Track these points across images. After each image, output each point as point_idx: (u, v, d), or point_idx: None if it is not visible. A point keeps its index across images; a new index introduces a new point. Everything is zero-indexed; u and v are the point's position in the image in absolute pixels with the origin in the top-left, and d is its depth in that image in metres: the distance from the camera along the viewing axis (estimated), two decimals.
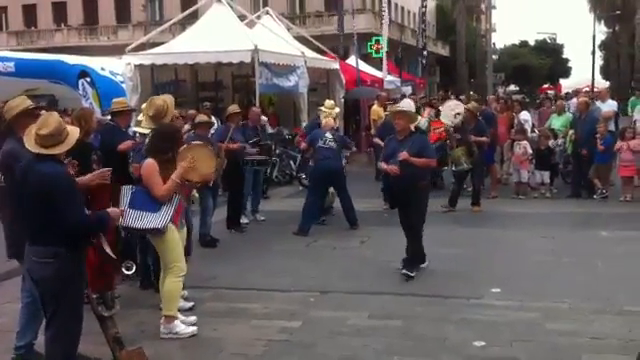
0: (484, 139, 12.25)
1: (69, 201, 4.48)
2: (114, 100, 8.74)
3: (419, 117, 11.56)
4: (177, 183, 5.99)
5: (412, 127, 8.32)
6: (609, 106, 15.33)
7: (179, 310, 6.44)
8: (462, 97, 21.44)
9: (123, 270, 4.98)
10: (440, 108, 13.89)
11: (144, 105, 8.39)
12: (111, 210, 4.94)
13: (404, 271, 7.73)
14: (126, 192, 5.97)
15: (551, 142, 13.58)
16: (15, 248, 5.58)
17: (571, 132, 13.32)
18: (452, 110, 12.29)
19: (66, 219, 4.46)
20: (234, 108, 10.85)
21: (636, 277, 7.60)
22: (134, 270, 5.07)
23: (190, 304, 6.84)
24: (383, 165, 8.14)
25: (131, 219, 5.87)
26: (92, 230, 4.77)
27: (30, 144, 4.56)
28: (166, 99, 7.20)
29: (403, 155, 7.74)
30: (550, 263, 8.38)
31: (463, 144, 11.87)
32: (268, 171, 13.86)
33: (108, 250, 4.87)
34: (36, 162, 4.55)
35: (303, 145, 11.47)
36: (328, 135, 10.57)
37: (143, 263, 7.31)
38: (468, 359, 5.50)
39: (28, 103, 5.52)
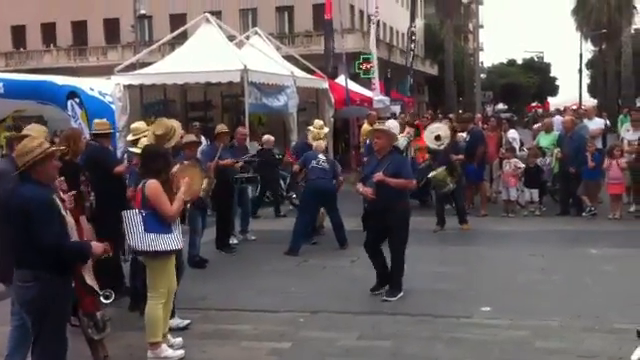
0: (460, 157, 12.37)
1: (44, 223, 4.47)
2: (96, 121, 8.71)
3: (399, 136, 11.58)
4: (184, 201, 6.00)
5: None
6: (596, 124, 15.44)
7: (174, 329, 6.47)
8: (451, 116, 21.53)
9: (101, 299, 4.93)
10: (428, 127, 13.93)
11: (134, 125, 8.42)
12: (95, 244, 4.89)
13: (384, 298, 7.66)
14: (134, 216, 5.88)
15: (539, 160, 13.65)
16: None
17: (557, 150, 13.39)
18: (432, 133, 12.24)
19: (40, 241, 4.46)
20: (222, 127, 10.87)
21: (626, 294, 7.62)
22: (113, 299, 5.02)
23: (187, 322, 6.83)
24: (359, 187, 7.94)
25: (151, 243, 5.84)
26: (70, 256, 4.71)
27: None
28: (174, 125, 7.20)
29: (378, 176, 7.55)
30: (540, 281, 8.38)
31: (444, 164, 11.85)
32: (257, 190, 13.91)
33: (89, 280, 4.83)
34: (19, 185, 4.61)
35: (296, 167, 11.49)
36: (321, 156, 10.62)
37: (133, 286, 7.28)
38: None
39: (38, 135, 5.43)
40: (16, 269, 4.65)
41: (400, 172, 7.67)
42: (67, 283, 4.71)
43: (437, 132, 12.15)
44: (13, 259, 4.69)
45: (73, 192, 5.40)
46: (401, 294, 7.71)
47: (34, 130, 5.63)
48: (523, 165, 13.42)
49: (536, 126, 19.58)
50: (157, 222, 5.88)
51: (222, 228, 10.66)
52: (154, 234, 5.85)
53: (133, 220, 5.87)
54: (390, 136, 7.98)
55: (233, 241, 10.98)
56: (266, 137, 14.26)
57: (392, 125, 14.69)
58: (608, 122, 20.67)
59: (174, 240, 5.94)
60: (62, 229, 4.63)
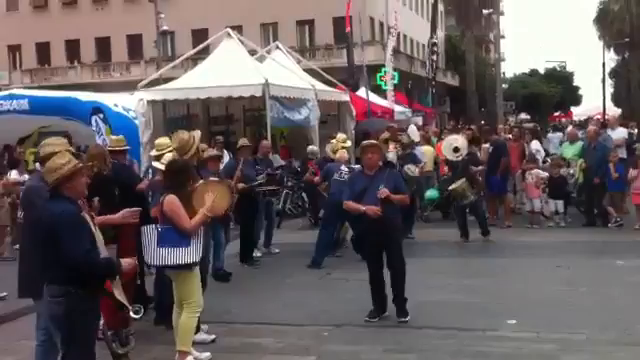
0: (480, 168, 12.49)
1: (70, 239, 4.50)
2: (112, 138, 8.83)
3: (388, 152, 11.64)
4: (207, 216, 6.04)
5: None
6: (619, 134, 15.35)
7: (200, 343, 6.51)
8: (472, 127, 21.42)
9: (131, 314, 4.96)
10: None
11: (158, 140, 8.49)
12: (124, 261, 4.92)
13: (402, 320, 7.31)
14: (150, 232, 5.97)
15: (562, 170, 13.54)
16: (25, 287, 5.59)
17: (581, 161, 13.29)
18: (451, 145, 12.20)
19: (67, 257, 4.50)
20: (244, 142, 10.90)
21: None
22: (142, 314, 5.05)
23: (212, 337, 6.86)
24: (358, 207, 7.26)
25: (163, 257, 5.90)
26: (97, 271, 4.73)
27: None
28: (193, 134, 7.29)
29: (384, 192, 7.13)
30: (566, 293, 8.30)
31: (464, 176, 11.80)
32: (280, 202, 13.99)
33: (118, 295, 4.86)
34: (49, 202, 4.67)
35: (317, 179, 11.51)
36: (344, 168, 10.59)
37: (158, 299, 7.32)
38: None
39: (60, 147, 5.50)
40: (46, 284, 4.70)
41: (399, 187, 7.41)
42: (96, 299, 4.75)
43: (455, 144, 12.12)
44: (42, 275, 4.74)
45: (137, 209, 5.47)
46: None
47: (52, 143, 5.63)
48: (546, 174, 13.31)
49: (550, 135, 19.56)
50: (174, 236, 5.93)
51: (246, 241, 10.70)
52: (167, 248, 5.89)
53: (149, 235, 5.97)
54: (381, 151, 7.75)
55: (256, 254, 11.01)
56: (310, 148, 14.43)
57: (413, 131, 14.65)
58: (635, 131, 20.48)
59: (189, 253, 5.94)
60: (92, 245, 4.66)
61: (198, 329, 6.67)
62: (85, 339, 4.68)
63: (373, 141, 7.84)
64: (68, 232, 4.51)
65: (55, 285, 4.61)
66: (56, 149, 5.46)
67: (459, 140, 12.40)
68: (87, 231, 4.67)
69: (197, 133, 7.53)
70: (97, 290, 4.72)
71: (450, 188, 11.99)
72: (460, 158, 11.98)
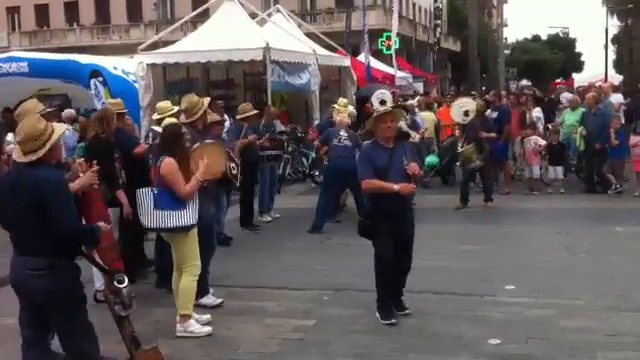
0: (492, 135, 12.35)
1: (63, 205, 4.30)
2: (110, 101, 8.79)
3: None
4: (200, 182, 6.05)
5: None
6: (614, 100, 15.36)
7: (205, 306, 6.58)
8: (474, 92, 21.35)
9: (115, 283, 4.88)
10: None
11: (160, 104, 8.48)
12: (102, 224, 4.76)
13: (407, 312, 6.51)
14: (146, 194, 5.97)
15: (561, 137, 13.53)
16: None
17: (581, 128, 13.27)
18: (461, 108, 12.34)
19: (60, 224, 4.27)
20: (250, 108, 10.67)
21: None
22: (126, 284, 4.92)
23: (219, 300, 6.89)
24: (390, 186, 6.10)
25: (160, 220, 5.91)
26: (84, 238, 4.62)
27: (16, 153, 4.41)
28: (203, 99, 7.33)
29: (415, 168, 6.23)
30: (564, 259, 8.35)
31: (473, 141, 11.84)
32: (280, 168, 13.99)
33: (98, 260, 4.87)
34: (27, 168, 4.35)
35: (317, 144, 11.49)
36: (343, 133, 10.54)
37: (158, 263, 7.36)
38: (483, 357, 5.48)
39: (40, 107, 5.50)
40: (22, 255, 4.42)
41: (416, 162, 6.52)
42: (78, 268, 4.61)
43: (466, 107, 12.23)
44: (18, 246, 4.46)
45: (95, 168, 5.37)
46: None
47: (31, 104, 5.56)
48: (544, 142, 13.31)
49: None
50: (170, 199, 5.92)
51: (246, 206, 10.73)
52: (164, 211, 5.89)
53: (145, 198, 5.96)
54: (398, 117, 6.83)
55: (267, 219, 11.17)
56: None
57: (386, 95, 14.71)
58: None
59: (186, 216, 5.94)
60: (76, 209, 4.49)
61: (204, 293, 6.72)
62: (78, 309, 4.57)
63: (388, 108, 7.01)
64: (59, 199, 4.26)
65: (39, 257, 4.32)
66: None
67: (470, 104, 12.50)
68: (72, 196, 4.51)
69: (207, 100, 7.56)
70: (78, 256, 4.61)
71: (459, 150, 12.10)
72: (466, 122, 12.04)
